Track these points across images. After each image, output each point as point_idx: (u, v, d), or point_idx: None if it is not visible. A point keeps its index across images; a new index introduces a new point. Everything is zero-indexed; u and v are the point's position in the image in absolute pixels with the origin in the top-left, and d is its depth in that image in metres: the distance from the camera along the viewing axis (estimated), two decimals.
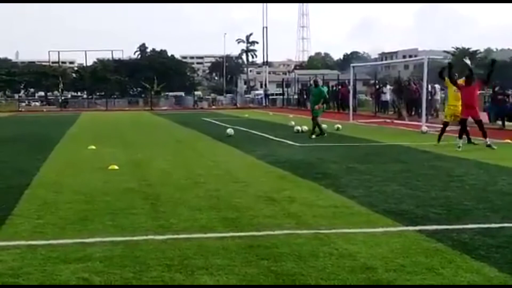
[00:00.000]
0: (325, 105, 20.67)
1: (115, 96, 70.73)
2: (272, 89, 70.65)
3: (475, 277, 4.77)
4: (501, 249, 5.57)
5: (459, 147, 14.97)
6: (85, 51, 76.69)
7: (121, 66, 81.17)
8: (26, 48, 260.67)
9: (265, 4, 73.01)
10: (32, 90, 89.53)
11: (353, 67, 33.64)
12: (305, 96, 48.72)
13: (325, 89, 21.88)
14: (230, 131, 19.72)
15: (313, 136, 18.90)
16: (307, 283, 4.68)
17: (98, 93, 76.74)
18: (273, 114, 38.98)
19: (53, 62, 79.02)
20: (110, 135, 20.99)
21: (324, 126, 21.77)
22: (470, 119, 15.74)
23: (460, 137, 15.44)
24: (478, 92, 17.10)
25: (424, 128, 21.38)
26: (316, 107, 19.43)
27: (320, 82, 23.63)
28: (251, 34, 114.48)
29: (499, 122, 24.70)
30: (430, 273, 4.88)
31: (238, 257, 5.36)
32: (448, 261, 5.22)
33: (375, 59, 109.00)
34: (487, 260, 5.22)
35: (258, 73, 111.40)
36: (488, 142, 15.16)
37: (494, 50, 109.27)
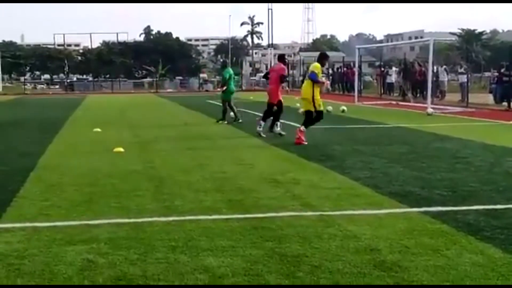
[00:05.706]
0: (226, 87, 17.98)
1: (120, 79, 70.70)
2: None
3: (480, 258, 4.76)
4: (506, 230, 5.56)
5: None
6: (90, 33, 77.06)
7: (126, 49, 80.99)
8: (31, 31, 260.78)
9: None
10: (37, 73, 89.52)
11: (358, 48, 33.48)
12: None
13: (228, 70, 18.47)
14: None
15: (225, 122, 17.64)
16: (311, 264, 4.68)
17: (103, 76, 76.65)
18: None
19: (58, 45, 79.04)
20: (116, 118, 21.00)
21: (329, 107, 21.74)
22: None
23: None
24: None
25: (430, 110, 21.32)
26: (219, 89, 17.54)
27: (228, 63, 21.88)
28: (254, 16, 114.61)
29: (505, 103, 24.60)
30: (435, 254, 4.88)
31: (242, 239, 5.37)
32: (453, 242, 5.22)
33: (381, 41, 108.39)
34: (492, 241, 5.21)
35: (263, 55, 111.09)
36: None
37: (500, 31, 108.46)
